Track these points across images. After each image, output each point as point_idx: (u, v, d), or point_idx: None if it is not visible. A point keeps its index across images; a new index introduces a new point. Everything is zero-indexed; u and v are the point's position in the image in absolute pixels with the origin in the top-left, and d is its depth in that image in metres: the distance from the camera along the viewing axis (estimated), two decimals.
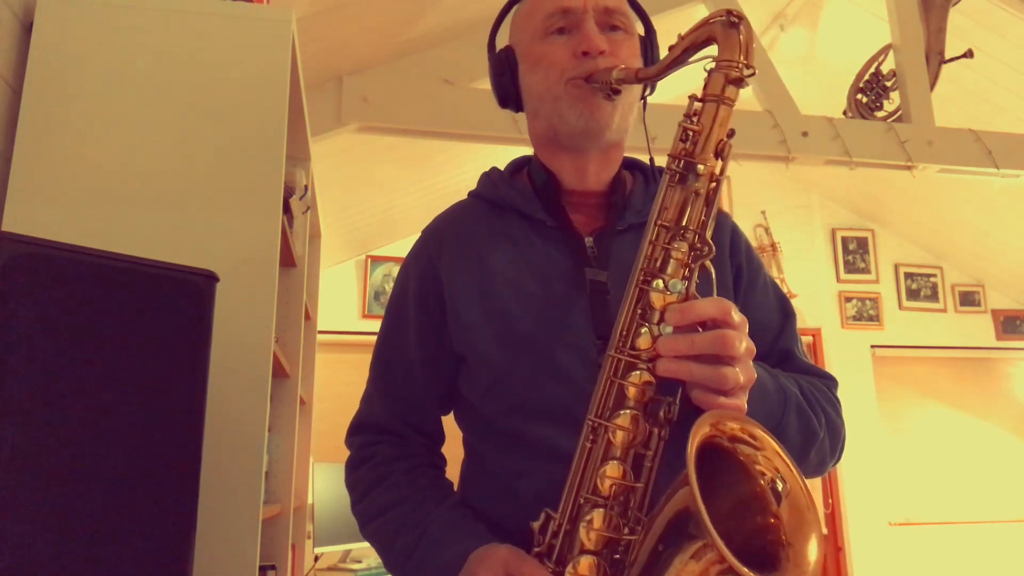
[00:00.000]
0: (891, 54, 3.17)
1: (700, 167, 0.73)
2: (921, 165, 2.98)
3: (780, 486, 0.68)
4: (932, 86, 3.05)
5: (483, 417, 0.88)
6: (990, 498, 4.71)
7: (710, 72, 0.74)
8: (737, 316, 0.70)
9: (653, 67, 0.79)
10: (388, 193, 3.82)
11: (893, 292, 4.95)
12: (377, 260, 4.35)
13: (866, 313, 4.86)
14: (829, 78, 3.67)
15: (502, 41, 0.97)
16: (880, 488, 4.57)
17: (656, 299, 0.72)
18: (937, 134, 3.00)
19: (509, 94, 0.95)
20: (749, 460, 0.68)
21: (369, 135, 2.79)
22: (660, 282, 0.72)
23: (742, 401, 0.71)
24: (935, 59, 3.05)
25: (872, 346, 4.82)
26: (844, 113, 3.30)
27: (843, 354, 4.75)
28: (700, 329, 0.70)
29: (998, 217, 4.48)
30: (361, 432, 0.96)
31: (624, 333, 0.73)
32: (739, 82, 0.73)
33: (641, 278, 0.73)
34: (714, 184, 0.74)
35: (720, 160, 0.74)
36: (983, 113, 3.75)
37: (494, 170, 1.00)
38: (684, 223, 0.73)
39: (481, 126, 2.67)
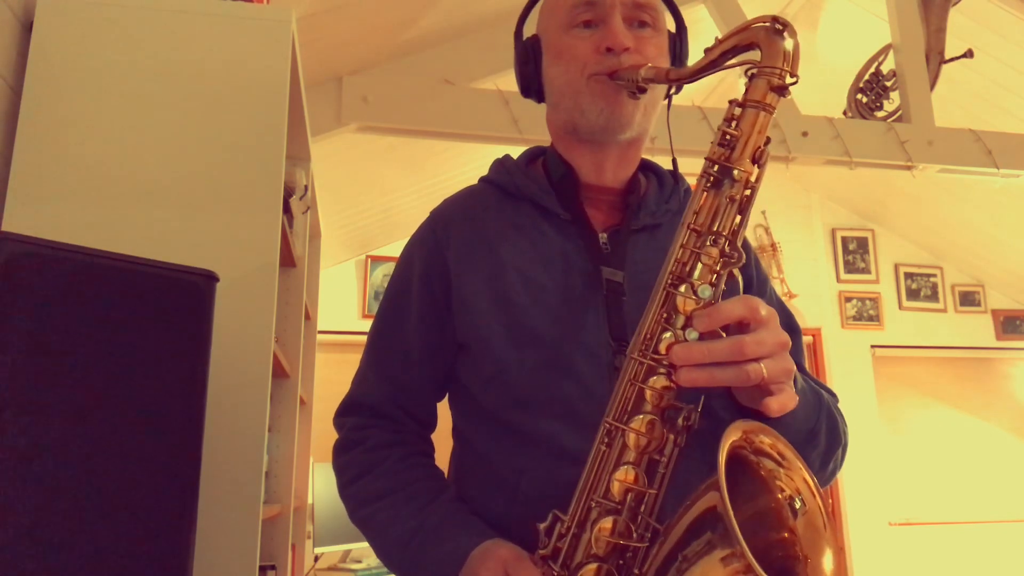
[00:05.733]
0: (891, 54, 3.16)
1: (736, 172, 0.71)
2: (921, 165, 2.98)
3: (798, 504, 0.67)
4: (932, 86, 3.05)
5: (481, 407, 0.87)
6: (990, 498, 4.71)
7: (752, 77, 0.73)
8: (765, 311, 0.68)
9: (685, 68, 0.77)
10: (388, 193, 3.82)
11: (893, 292, 4.95)
12: (377, 260, 4.36)
13: (866, 313, 4.86)
14: (829, 78, 3.67)
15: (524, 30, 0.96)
16: (880, 488, 4.57)
17: (682, 304, 0.70)
18: (937, 134, 2.99)
19: (532, 84, 0.94)
20: (771, 475, 0.67)
21: (369, 135, 2.79)
22: (688, 287, 0.70)
23: (788, 394, 0.69)
24: (935, 59, 3.05)
25: (872, 346, 4.82)
26: (844, 113, 3.30)
27: (843, 354, 4.75)
28: (724, 333, 0.68)
29: (998, 217, 4.47)
30: (353, 413, 0.94)
31: (648, 337, 0.71)
32: (782, 90, 0.72)
33: (669, 281, 0.72)
34: (749, 191, 0.72)
35: (757, 167, 0.73)
36: (983, 113, 3.75)
37: (507, 158, 0.98)
38: (716, 228, 0.72)
39: (481, 126, 2.67)
